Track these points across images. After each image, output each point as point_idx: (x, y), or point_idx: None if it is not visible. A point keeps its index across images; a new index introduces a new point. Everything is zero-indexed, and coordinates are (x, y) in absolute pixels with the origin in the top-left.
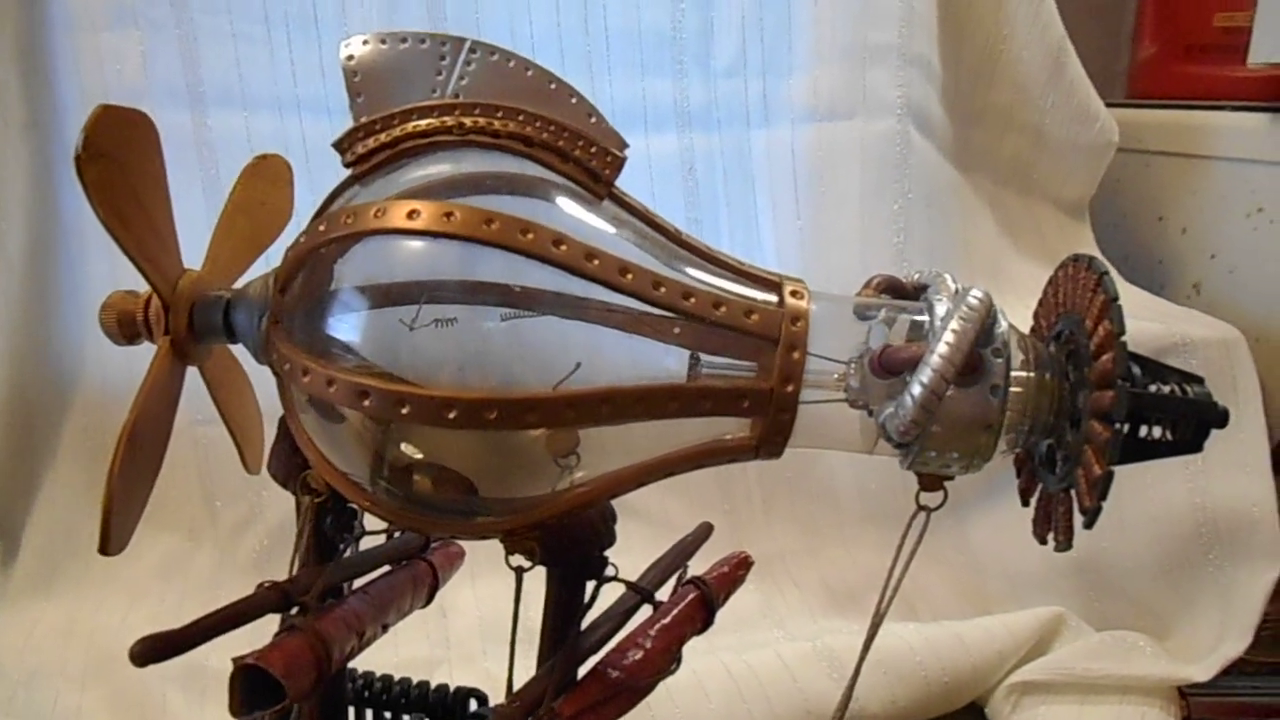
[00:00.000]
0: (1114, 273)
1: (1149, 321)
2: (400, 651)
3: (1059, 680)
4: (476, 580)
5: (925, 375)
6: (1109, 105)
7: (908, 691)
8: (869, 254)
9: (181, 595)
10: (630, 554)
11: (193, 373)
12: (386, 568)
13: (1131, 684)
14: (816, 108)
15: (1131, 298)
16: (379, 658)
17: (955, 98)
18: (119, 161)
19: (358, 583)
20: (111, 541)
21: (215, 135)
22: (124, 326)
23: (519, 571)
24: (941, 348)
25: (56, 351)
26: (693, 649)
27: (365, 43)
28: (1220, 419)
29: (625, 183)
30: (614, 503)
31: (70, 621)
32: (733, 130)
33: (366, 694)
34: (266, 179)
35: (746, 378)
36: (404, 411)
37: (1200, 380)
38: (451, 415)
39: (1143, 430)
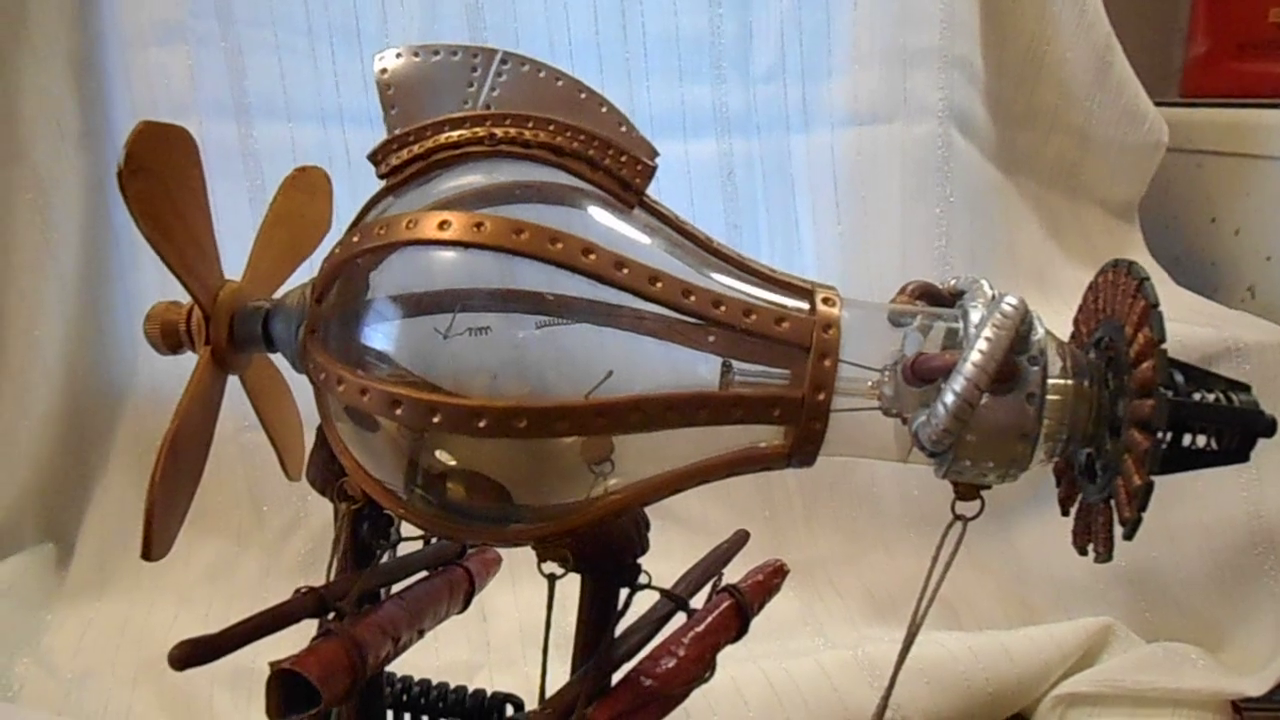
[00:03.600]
0: (1164, 276)
1: (1200, 326)
2: (441, 655)
3: (1107, 692)
4: (517, 585)
5: (958, 383)
6: (1163, 105)
7: (950, 702)
8: (910, 259)
9: (229, 598)
10: (669, 559)
11: (238, 381)
12: (423, 573)
13: (1183, 697)
14: (857, 111)
15: (1183, 302)
16: (420, 661)
17: (998, 99)
18: (160, 175)
19: (395, 588)
20: (154, 547)
21: (260, 146)
22: (167, 337)
23: (552, 579)
24: (975, 355)
25: (109, 360)
26: (732, 656)
27: (398, 56)
28: (1268, 428)
29: (664, 189)
30: (654, 508)
31: (122, 623)
32: (772, 135)
33: (404, 698)
34: (305, 190)
35: (778, 385)
36: (435, 420)
37: (1247, 388)
38: (482, 424)
39: (1186, 439)
